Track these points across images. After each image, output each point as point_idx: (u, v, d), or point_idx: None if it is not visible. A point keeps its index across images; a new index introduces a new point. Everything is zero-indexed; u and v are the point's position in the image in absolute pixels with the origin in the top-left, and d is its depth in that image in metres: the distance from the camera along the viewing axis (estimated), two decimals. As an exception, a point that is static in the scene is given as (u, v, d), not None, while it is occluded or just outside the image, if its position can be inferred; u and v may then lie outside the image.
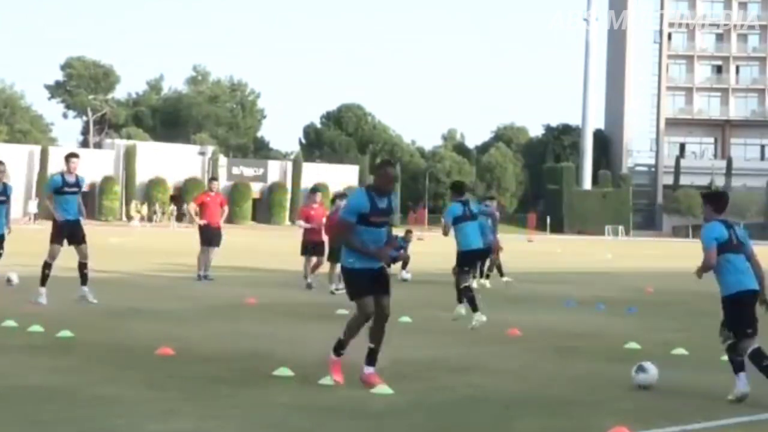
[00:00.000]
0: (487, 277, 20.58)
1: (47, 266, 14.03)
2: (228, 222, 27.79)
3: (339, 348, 8.50)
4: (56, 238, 14.04)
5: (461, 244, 13.22)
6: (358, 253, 8.36)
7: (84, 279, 14.27)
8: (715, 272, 8.55)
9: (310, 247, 18.89)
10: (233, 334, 11.61)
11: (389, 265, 8.66)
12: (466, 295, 12.94)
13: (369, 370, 8.39)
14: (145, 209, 77.99)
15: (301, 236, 19.42)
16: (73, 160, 14.19)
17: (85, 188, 14.81)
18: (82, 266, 14.23)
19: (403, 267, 21.59)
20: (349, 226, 8.37)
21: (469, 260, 13.47)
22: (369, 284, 8.38)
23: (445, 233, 13.46)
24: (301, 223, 19.24)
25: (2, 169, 14.17)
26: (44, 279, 14.03)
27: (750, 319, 8.44)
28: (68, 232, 14.06)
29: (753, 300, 8.53)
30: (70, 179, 14.14)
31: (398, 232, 22.79)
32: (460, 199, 13.51)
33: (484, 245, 14.15)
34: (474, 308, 12.69)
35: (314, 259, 18.81)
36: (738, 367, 8.39)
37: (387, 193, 8.49)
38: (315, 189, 20.75)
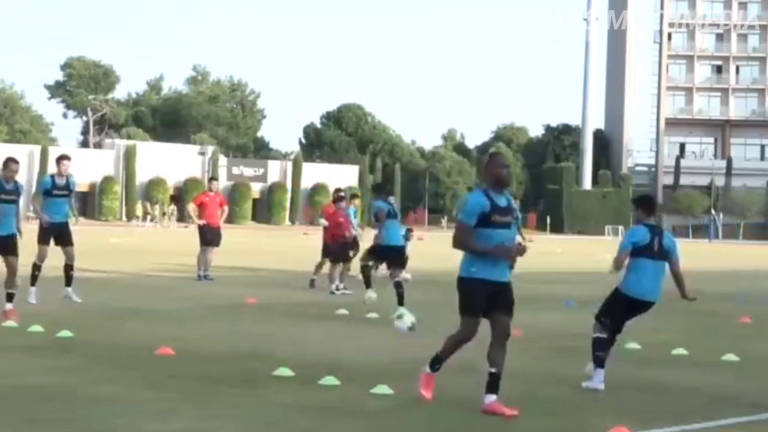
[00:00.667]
0: None
1: (36, 267, 14.02)
2: (228, 222, 27.80)
3: (435, 363, 7.99)
4: (43, 239, 14.00)
5: (384, 238, 14.73)
6: (479, 255, 7.58)
7: (69, 280, 14.27)
8: (626, 269, 8.94)
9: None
10: (233, 334, 11.60)
11: (512, 266, 7.96)
12: (364, 272, 14.85)
13: (490, 398, 7.49)
14: (156, 210, 77.73)
15: (321, 237, 19.16)
16: (64, 162, 14.13)
17: (78, 189, 14.80)
18: (68, 268, 14.23)
19: (403, 267, 21.49)
20: (468, 229, 7.56)
21: (387, 254, 14.89)
22: (484, 301, 7.69)
23: (379, 225, 14.91)
24: (322, 221, 19.12)
25: (15, 168, 14.07)
26: (34, 279, 14.03)
27: (622, 319, 8.97)
28: (55, 234, 14.02)
29: (644, 308, 8.99)
30: (60, 182, 14.11)
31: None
32: (386, 200, 15.34)
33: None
34: (368, 285, 14.80)
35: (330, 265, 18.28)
36: (599, 363, 8.69)
37: (503, 186, 7.72)
38: (339, 190, 20.24)
